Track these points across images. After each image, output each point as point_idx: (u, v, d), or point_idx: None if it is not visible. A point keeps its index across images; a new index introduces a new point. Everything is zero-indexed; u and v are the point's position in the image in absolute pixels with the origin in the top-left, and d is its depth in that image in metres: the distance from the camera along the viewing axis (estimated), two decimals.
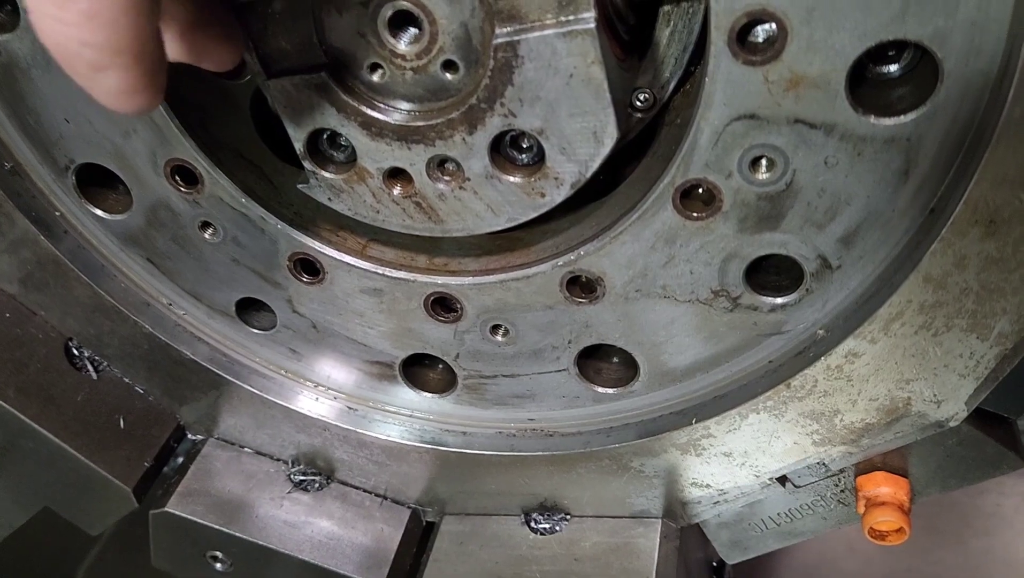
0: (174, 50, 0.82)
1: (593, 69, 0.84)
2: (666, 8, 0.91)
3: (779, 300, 1.00)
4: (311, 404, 1.31)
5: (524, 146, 0.96)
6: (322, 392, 1.30)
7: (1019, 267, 0.83)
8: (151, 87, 0.72)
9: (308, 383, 1.30)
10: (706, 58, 0.83)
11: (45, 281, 1.25)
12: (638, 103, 1.01)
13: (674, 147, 0.92)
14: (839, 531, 1.20)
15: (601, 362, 1.18)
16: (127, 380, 1.33)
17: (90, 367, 1.31)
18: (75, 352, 1.31)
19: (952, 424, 0.99)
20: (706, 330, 1.05)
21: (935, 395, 0.97)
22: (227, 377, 1.29)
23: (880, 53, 0.83)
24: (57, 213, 1.21)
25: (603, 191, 1.07)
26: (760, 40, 0.81)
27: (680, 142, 0.90)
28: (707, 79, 0.83)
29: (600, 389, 1.17)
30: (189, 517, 1.31)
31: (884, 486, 1.10)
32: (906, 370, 0.95)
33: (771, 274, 1.00)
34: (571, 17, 0.81)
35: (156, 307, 1.26)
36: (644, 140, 1.03)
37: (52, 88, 1.05)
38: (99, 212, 1.19)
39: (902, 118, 0.82)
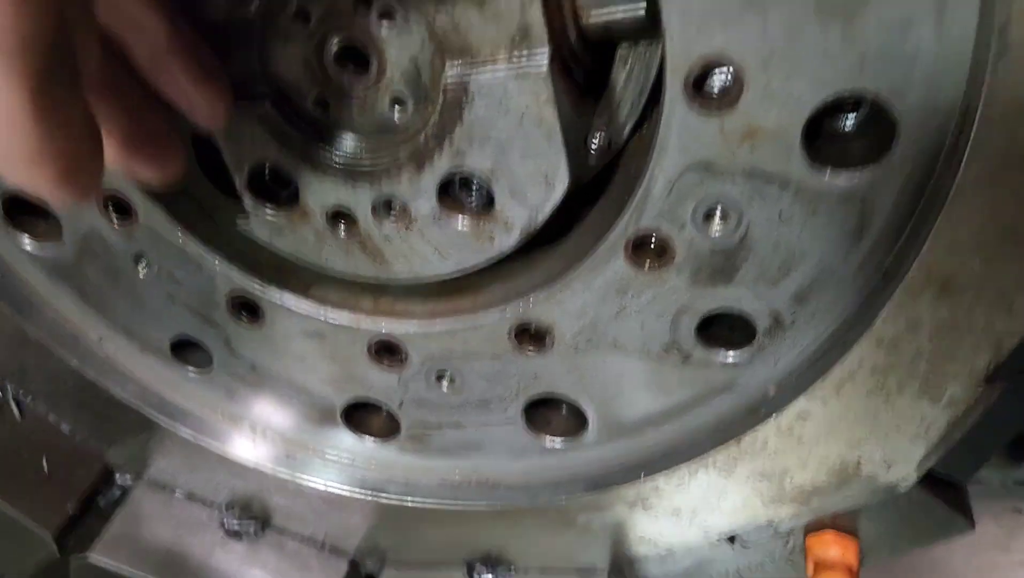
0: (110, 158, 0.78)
1: (546, 110, 0.82)
2: (623, 50, 0.88)
3: (731, 356, 0.97)
4: (248, 449, 1.25)
5: (474, 188, 0.93)
6: (259, 436, 1.25)
7: (971, 332, 0.82)
8: (71, 184, 0.68)
9: (245, 426, 1.25)
10: (661, 104, 0.81)
11: None
12: (592, 146, 0.98)
13: (627, 195, 0.89)
14: None
15: (550, 413, 1.14)
16: (52, 418, 1.27)
17: (13, 405, 1.25)
18: None
19: (902, 488, 0.97)
20: (657, 385, 1.02)
21: (886, 458, 0.95)
22: (159, 418, 1.23)
23: (836, 107, 0.82)
24: None
25: (559, 235, 1.04)
26: (715, 90, 0.79)
27: (633, 190, 0.88)
28: (662, 125, 0.81)
29: (548, 441, 1.13)
30: (113, 566, 1.24)
31: (833, 548, 1.07)
32: (857, 432, 0.93)
33: (724, 329, 0.98)
34: (524, 54, 0.79)
35: (85, 342, 1.21)
36: (601, 185, 1.01)
37: None
38: (27, 241, 1.13)
39: (857, 174, 0.80)
